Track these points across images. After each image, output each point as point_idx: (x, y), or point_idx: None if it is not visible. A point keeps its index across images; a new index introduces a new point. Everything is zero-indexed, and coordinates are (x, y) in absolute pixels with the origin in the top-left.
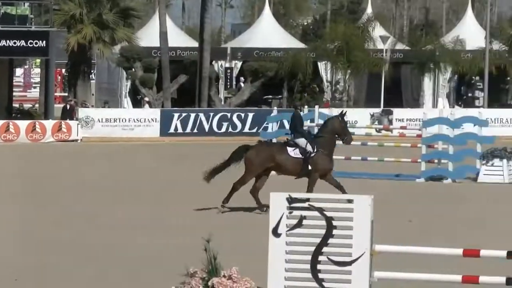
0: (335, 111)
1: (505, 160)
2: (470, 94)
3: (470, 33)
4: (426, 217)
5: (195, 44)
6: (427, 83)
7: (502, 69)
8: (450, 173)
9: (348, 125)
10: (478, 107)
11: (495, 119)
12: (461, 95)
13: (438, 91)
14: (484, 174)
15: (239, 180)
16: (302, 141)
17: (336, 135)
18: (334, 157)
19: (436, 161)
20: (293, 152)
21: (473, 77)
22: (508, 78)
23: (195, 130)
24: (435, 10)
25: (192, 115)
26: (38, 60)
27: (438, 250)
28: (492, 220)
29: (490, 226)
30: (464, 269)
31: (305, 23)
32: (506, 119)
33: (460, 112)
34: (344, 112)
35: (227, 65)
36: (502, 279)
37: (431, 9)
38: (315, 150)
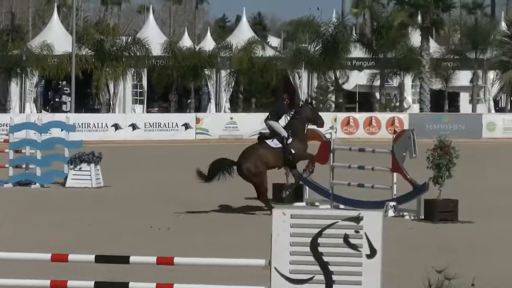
0: None
1: (92, 165)
2: (57, 99)
3: (57, 38)
4: (16, 223)
5: None
6: (14, 88)
7: (88, 73)
8: (38, 178)
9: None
10: (66, 112)
11: (82, 123)
12: (48, 100)
13: (25, 96)
14: (72, 179)
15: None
16: (275, 124)
17: (308, 122)
18: None
19: (24, 166)
20: (273, 143)
21: (60, 82)
22: (95, 83)
23: None
24: (21, 14)
25: None
26: None
27: (27, 255)
28: (77, 223)
29: (76, 229)
30: (53, 274)
31: None
32: (93, 123)
33: (47, 117)
34: (310, 100)
35: None
36: (91, 283)
37: (17, 14)
38: (291, 137)
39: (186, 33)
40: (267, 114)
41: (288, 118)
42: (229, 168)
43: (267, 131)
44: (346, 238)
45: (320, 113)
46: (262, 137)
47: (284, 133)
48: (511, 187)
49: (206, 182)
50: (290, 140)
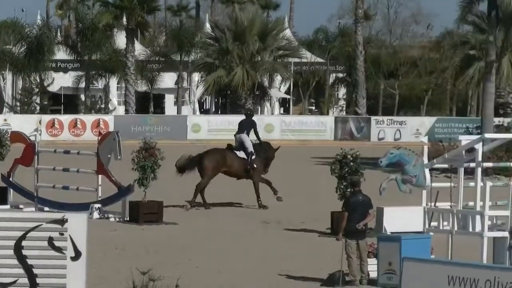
0: None
1: None
2: None
3: None
4: None
5: None
6: None
7: None
8: None
9: None
10: None
11: None
12: None
13: None
14: None
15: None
16: (247, 142)
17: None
18: None
19: None
20: (239, 153)
21: None
22: None
23: None
24: None
25: None
26: None
27: None
28: None
29: None
30: None
31: None
32: None
33: None
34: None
35: None
36: None
37: None
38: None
39: None
40: None
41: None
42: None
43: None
44: (50, 240)
45: (24, 115)
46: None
47: (252, 151)
48: (211, 188)
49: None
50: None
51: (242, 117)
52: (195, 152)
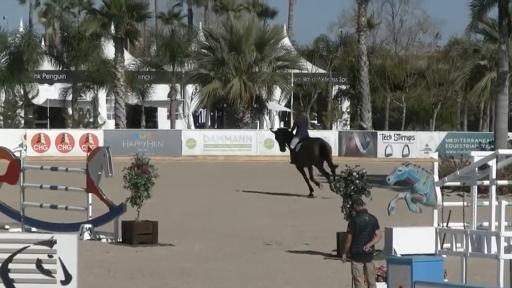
0: None
1: None
2: None
3: None
4: None
5: None
6: None
7: None
8: None
9: None
10: None
11: None
12: None
13: None
14: None
15: None
16: None
17: None
18: None
19: None
20: None
21: None
22: None
23: None
24: None
25: None
26: None
27: None
28: None
29: None
30: None
31: None
32: None
33: None
34: None
35: None
36: None
37: None
38: None
39: None
40: None
41: None
42: None
43: None
44: (39, 263)
45: (8, 130)
46: None
47: None
48: (209, 207)
49: None
50: None
51: (239, 131)
52: (191, 168)
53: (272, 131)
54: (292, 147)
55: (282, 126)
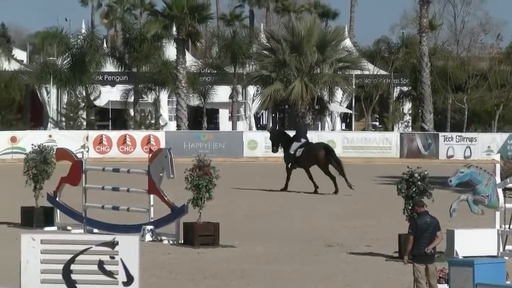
0: None
1: None
2: None
3: None
4: None
5: None
6: None
7: None
8: None
9: None
10: None
11: None
12: None
13: None
14: None
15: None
16: None
17: None
18: None
19: None
20: None
21: None
22: None
23: None
24: None
25: None
26: None
27: None
28: None
29: None
30: None
31: None
32: None
33: None
34: None
35: None
36: None
37: None
38: None
39: None
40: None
41: None
42: None
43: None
44: (101, 264)
45: (70, 131)
46: None
47: None
48: (270, 209)
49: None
50: None
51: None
52: (252, 170)
53: (269, 131)
54: (292, 152)
55: (343, 128)
